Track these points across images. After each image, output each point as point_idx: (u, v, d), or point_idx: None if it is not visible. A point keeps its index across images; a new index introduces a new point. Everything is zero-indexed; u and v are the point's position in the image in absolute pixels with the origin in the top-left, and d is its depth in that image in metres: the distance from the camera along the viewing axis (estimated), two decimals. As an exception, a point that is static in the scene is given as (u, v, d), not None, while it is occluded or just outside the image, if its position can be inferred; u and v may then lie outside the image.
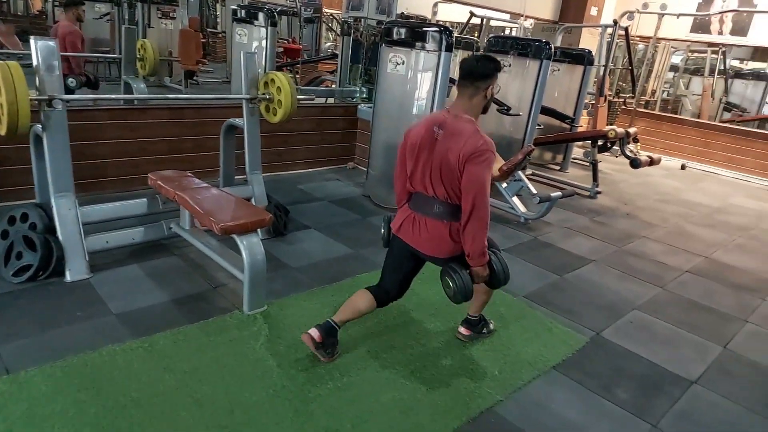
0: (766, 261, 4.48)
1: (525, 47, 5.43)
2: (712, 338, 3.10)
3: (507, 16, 8.99)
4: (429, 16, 8.31)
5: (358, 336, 2.70)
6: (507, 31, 10.19)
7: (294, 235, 3.89)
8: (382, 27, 4.60)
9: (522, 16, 7.59)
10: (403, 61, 4.32)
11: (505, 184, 4.87)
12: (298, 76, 7.51)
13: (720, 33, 8.29)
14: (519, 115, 5.47)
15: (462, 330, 2.80)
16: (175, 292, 2.94)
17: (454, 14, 11.08)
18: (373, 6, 5.56)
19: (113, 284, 2.94)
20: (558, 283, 3.62)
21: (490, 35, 6.42)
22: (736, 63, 12.22)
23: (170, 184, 3.16)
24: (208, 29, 10.60)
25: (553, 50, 5.29)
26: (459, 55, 7.87)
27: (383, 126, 4.68)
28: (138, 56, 5.24)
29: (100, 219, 3.21)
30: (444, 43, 4.12)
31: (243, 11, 6.10)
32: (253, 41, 6.12)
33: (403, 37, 4.31)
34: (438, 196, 2.28)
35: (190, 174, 3.42)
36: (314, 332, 2.44)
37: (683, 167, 8.12)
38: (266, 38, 5.92)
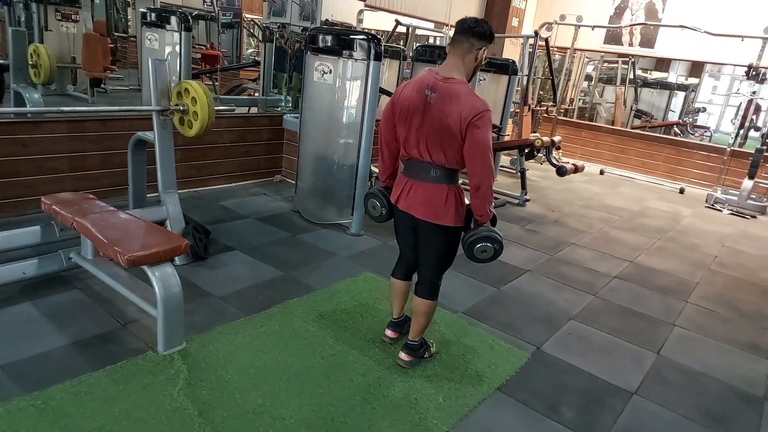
0: (683, 262, 4.70)
1: (453, 57, 5.40)
2: (645, 345, 3.14)
3: (432, 26, 9.05)
4: (354, 23, 8.21)
5: (295, 371, 2.46)
6: (431, 41, 10.28)
7: (216, 258, 3.57)
8: (307, 34, 4.38)
9: (447, 25, 7.64)
10: (330, 70, 4.13)
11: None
12: (217, 84, 7.10)
13: (630, 44, 8.81)
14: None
15: (402, 356, 2.61)
16: (77, 334, 2.56)
17: (379, 22, 11.05)
18: (296, 12, 5.32)
19: (-2, 329, 2.51)
20: (496, 297, 3.56)
21: (417, 44, 6.38)
22: (642, 73, 13.12)
23: (68, 208, 2.76)
24: (117, 33, 9.84)
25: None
26: (387, 64, 7.81)
27: (311, 136, 4.46)
28: (30, 63, 4.67)
29: (-19, 251, 2.75)
30: (372, 51, 3.97)
31: (153, 14, 5.64)
32: (165, 47, 5.67)
33: (329, 45, 4.12)
34: (434, 161, 2.26)
35: (92, 196, 3.03)
36: (390, 333, 2.77)
37: (602, 172, 8.51)
38: (180, 44, 5.51)
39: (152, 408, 2.12)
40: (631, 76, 11.13)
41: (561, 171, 5.42)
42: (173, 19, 5.54)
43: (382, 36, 10.45)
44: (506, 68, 6.73)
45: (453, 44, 2.25)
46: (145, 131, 3.45)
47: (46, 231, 2.94)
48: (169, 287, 2.41)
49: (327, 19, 6.55)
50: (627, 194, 7.27)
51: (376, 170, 5.36)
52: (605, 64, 11.68)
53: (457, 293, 3.48)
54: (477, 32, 2.19)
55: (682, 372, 2.92)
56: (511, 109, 7.21)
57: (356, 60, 4.02)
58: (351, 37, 4.04)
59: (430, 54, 5.57)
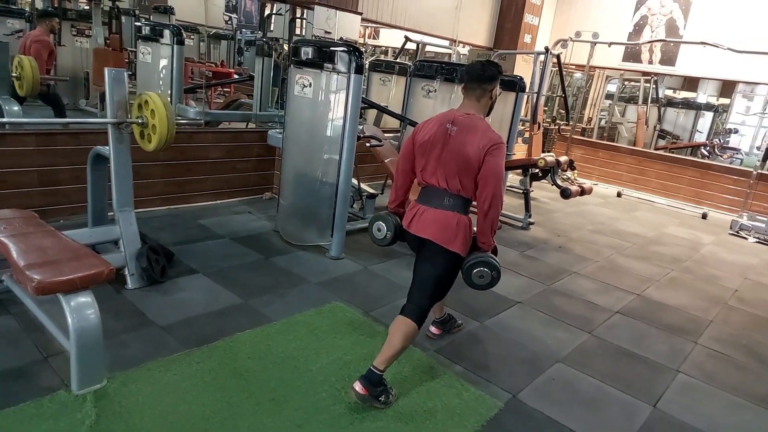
0: (697, 296, 4.24)
1: (451, 72, 5.13)
2: (641, 395, 2.73)
3: (445, 42, 8.81)
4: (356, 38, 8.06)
5: (220, 420, 2.16)
6: (445, 58, 10.04)
7: (175, 282, 3.32)
8: (290, 46, 4.17)
9: (455, 41, 7.38)
10: (311, 83, 3.89)
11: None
12: (214, 99, 6.98)
13: (650, 62, 8.38)
14: (444, 142, 5.14)
15: (357, 387, 2.30)
16: (-8, 366, 2.32)
17: (394, 39, 10.89)
18: (280, 26, 5.15)
19: None
20: (476, 333, 3.20)
21: (417, 59, 6.13)
22: (669, 92, 12.59)
23: (-2, 227, 2.56)
24: (130, 49, 9.92)
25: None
26: (394, 80, 7.59)
27: (292, 152, 4.22)
28: (14, 74, 4.60)
29: None
30: (353, 64, 3.72)
31: (147, 28, 5.56)
32: (160, 60, 5.57)
33: (310, 57, 3.89)
34: (450, 189, 2.41)
35: (33, 214, 2.83)
36: (434, 329, 2.94)
37: (619, 195, 8.04)
38: (172, 57, 5.39)
39: (45, 460, 1.85)
40: (654, 95, 10.64)
41: (565, 193, 5.04)
42: (166, 33, 5.44)
43: (394, 53, 10.29)
44: (513, 85, 6.38)
45: (467, 90, 2.45)
46: (104, 146, 3.26)
47: (-19, 250, 2.74)
48: (84, 319, 2.16)
49: (342, 38, 6.38)
50: (643, 219, 6.79)
51: (368, 189, 5.11)
52: (627, 83, 11.23)
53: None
54: (486, 78, 2.40)
55: (682, 431, 2.50)
56: (520, 127, 6.87)
57: (336, 73, 3.78)
58: (332, 49, 3.80)
59: (428, 69, 5.30)
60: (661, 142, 11.32)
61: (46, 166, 3.96)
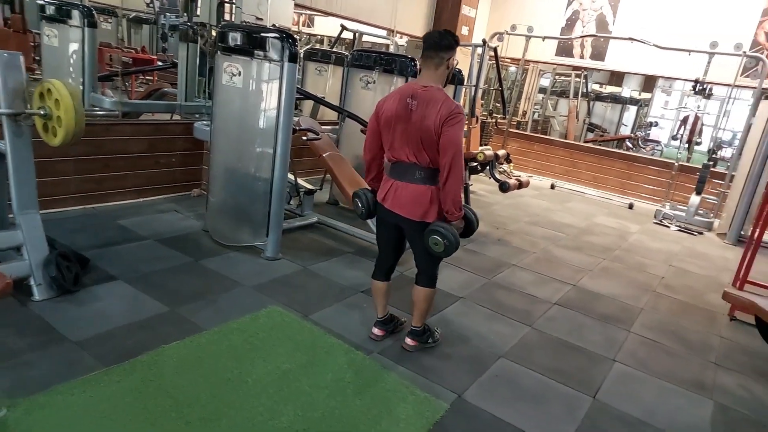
0: (628, 284, 4.40)
1: (390, 63, 5.01)
2: (581, 387, 2.76)
3: (382, 32, 8.67)
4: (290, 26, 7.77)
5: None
6: (383, 48, 9.91)
7: (90, 291, 3.01)
8: (217, 31, 3.89)
9: (393, 31, 7.27)
10: (240, 72, 3.65)
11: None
12: (136, 88, 6.50)
13: (581, 57, 8.66)
14: (384, 135, 5.03)
15: (408, 341, 2.84)
16: None
17: (330, 28, 10.60)
18: (207, 10, 4.82)
19: None
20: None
21: (354, 49, 5.97)
22: (596, 87, 13.16)
23: None
24: (35, 31, 9.07)
25: (418, 67, 4.91)
26: (331, 70, 7.37)
27: (222, 146, 3.95)
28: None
29: None
30: (287, 51, 3.51)
31: (52, 7, 5.03)
32: (69, 44, 5.07)
33: (239, 43, 3.63)
34: (420, 163, 2.48)
35: None
36: (377, 331, 2.91)
37: (552, 186, 8.29)
38: (83, 41, 4.92)
39: None
40: (584, 90, 11.07)
41: (504, 187, 5.08)
42: (75, 14, 4.95)
43: (330, 42, 10.03)
44: (452, 78, 6.38)
45: (425, 59, 2.47)
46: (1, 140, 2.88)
47: None
48: (-25, 341, 1.86)
49: (275, 24, 6.08)
50: (576, 210, 7.02)
51: (306, 185, 4.91)
52: (559, 77, 11.62)
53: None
54: (444, 45, 2.44)
55: (620, 420, 2.54)
56: (458, 120, 6.87)
57: (268, 61, 3.55)
58: (262, 35, 3.57)
59: (367, 59, 5.15)
60: (590, 135, 11.82)
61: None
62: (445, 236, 2.46)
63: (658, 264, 5.07)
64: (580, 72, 10.61)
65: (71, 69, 5.20)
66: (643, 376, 2.98)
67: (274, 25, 6.13)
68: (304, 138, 4.32)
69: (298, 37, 12.43)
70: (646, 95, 13.75)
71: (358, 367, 2.65)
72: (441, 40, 2.44)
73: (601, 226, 6.31)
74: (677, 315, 3.91)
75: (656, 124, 12.84)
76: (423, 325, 2.86)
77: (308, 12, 6.97)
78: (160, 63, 7.61)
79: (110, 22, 11.06)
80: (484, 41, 6.73)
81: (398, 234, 2.73)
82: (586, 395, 2.70)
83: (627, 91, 13.93)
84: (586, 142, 10.71)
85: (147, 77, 8.38)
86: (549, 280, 4.26)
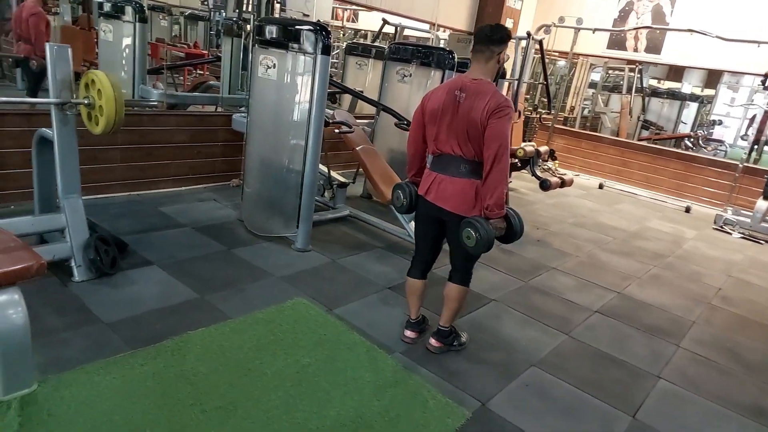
0: (679, 294, 4.12)
1: (427, 56, 4.90)
2: (619, 404, 2.58)
3: (425, 26, 8.53)
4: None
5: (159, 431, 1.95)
6: (425, 42, 9.77)
7: (126, 274, 3.09)
8: (254, 25, 3.90)
9: (434, 24, 7.12)
10: (275, 64, 3.64)
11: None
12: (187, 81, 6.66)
13: (635, 50, 8.21)
14: (422, 130, 4.92)
15: (432, 342, 2.77)
16: None
17: (374, 23, 10.54)
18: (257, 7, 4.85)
19: None
20: (448, 332, 3.02)
21: (391, 42, 5.88)
22: (653, 82, 12.49)
23: None
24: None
25: (456, 60, 4.78)
26: (371, 64, 7.31)
27: (257, 137, 3.97)
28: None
29: None
30: (320, 44, 3.47)
31: (108, 5, 5.22)
32: (122, 38, 5.24)
33: (274, 36, 3.63)
34: (465, 155, 2.45)
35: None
36: (410, 334, 2.82)
37: (601, 186, 7.93)
38: (134, 35, 5.07)
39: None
40: (639, 85, 10.52)
41: (544, 185, 4.88)
42: (128, 10, 5.11)
43: (372, 36, 9.97)
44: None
45: (475, 53, 2.45)
46: (48, 128, 2.98)
47: None
48: (8, 318, 1.93)
49: (319, 20, 6.09)
50: (626, 212, 6.67)
51: (340, 178, 4.88)
52: (611, 71, 11.10)
53: (398, 326, 2.95)
54: (495, 40, 2.41)
55: (660, 441, 2.36)
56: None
57: (302, 53, 3.53)
58: (297, 27, 3.55)
59: (404, 52, 5.06)
60: (645, 133, 11.23)
61: (-3, 148, 3.67)
62: (477, 230, 2.37)
63: (715, 274, 4.73)
64: (634, 66, 10.08)
65: (123, 62, 5.39)
66: (691, 396, 2.76)
67: (318, 21, 6.13)
68: (337, 131, 4.29)
69: (342, 32, 12.54)
70: (709, 92, 12.94)
71: (380, 366, 2.58)
72: (492, 33, 2.42)
73: (652, 230, 5.97)
74: (734, 331, 3.62)
75: (720, 123, 12.04)
76: (450, 326, 2.78)
77: (350, 7, 6.91)
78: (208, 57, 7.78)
79: (166, 20, 11.48)
80: (528, 33, 6.50)
81: (438, 229, 2.68)
82: (625, 414, 2.52)
83: (688, 87, 13.15)
84: (640, 140, 10.18)
85: (198, 71, 8.61)
86: (591, 285, 4.05)
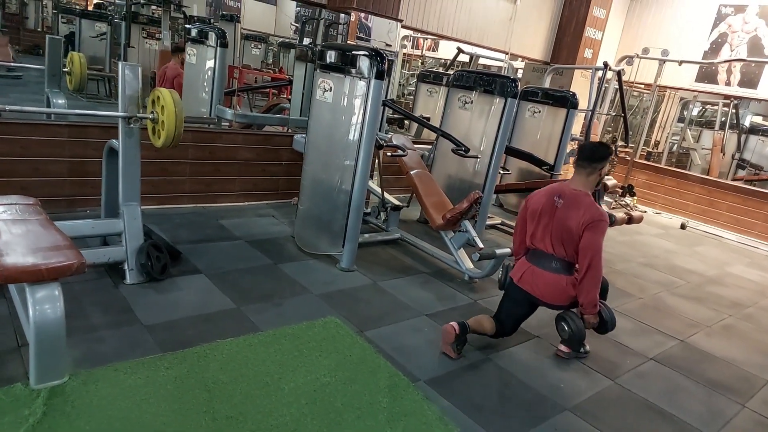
0: (755, 349, 3.68)
1: (490, 83, 4.85)
2: (660, 462, 2.33)
3: (500, 55, 8.48)
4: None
5: None
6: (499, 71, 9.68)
7: (174, 281, 3.26)
8: (317, 50, 4.07)
9: (507, 53, 7.05)
10: (331, 88, 3.77)
11: (451, 234, 4.21)
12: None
13: (728, 83, 7.62)
14: (477, 157, 4.85)
15: (563, 348, 3.08)
16: (-33, 351, 2.32)
17: (453, 52, 10.64)
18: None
19: None
20: (479, 365, 2.89)
21: (455, 70, 5.88)
22: (758, 119, 11.47)
23: (-7, 211, 2.58)
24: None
25: (518, 88, 4.68)
26: (441, 92, 7.35)
27: (313, 158, 4.10)
28: (65, 70, 4.83)
29: None
30: (374, 69, 3.55)
31: (194, 30, 5.69)
32: (206, 61, 5.68)
33: (333, 61, 3.77)
34: (556, 254, 2.78)
35: (34, 201, 2.84)
36: (455, 325, 2.85)
37: (683, 226, 7.33)
38: (215, 59, 5.47)
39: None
40: (734, 120, 9.71)
41: (609, 220, 4.57)
42: (211, 35, 5.54)
43: (449, 65, 10.04)
44: (565, 101, 6.02)
45: (578, 167, 2.78)
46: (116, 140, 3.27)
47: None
48: (46, 312, 2.10)
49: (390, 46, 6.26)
50: (707, 255, 6.11)
51: (394, 201, 4.89)
52: (704, 106, 10.35)
53: (427, 355, 2.87)
54: (597, 158, 2.73)
55: None
56: (571, 147, 6.41)
57: (356, 77, 3.63)
58: (354, 53, 3.65)
59: (467, 80, 5.05)
60: (741, 173, 10.29)
61: (77, 156, 4.07)
62: (569, 325, 2.85)
63: (803, 330, 4.18)
64: (728, 101, 9.34)
65: (204, 84, 5.83)
66: (750, 463, 2.43)
67: (387, 45, 6.30)
68: (390, 154, 4.32)
69: (421, 61, 12.77)
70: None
71: (400, 393, 2.51)
72: (594, 153, 2.72)
73: (735, 276, 5.41)
74: (815, 395, 3.16)
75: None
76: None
77: (420, 35, 7.04)
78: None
79: (259, 48, 12.34)
80: (605, 64, 6.24)
81: (527, 311, 2.98)
82: (665, 472, 2.27)
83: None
84: (734, 179, 9.34)
85: (282, 94, 9.13)
86: (651, 331, 3.72)
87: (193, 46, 5.78)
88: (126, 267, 3.14)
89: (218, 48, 5.51)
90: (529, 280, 2.85)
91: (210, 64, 5.68)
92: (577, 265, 2.80)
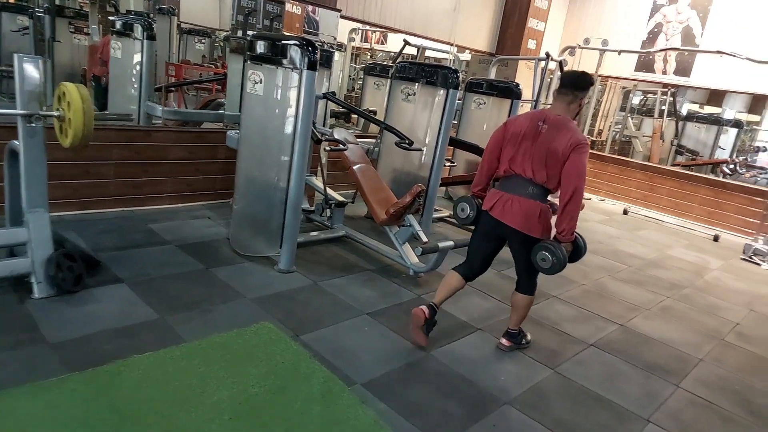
0: (690, 329, 3.76)
1: (432, 75, 4.76)
2: (598, 452, 2.30)
3: (447, 48, 8.45)
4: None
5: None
6: (445, 63, 9.66)
7: (90, 292, 3.01)
8: (247, 40, 3.87)
9: (451, 44, 7.00)
10: (261, 80, 3.58)
11: (395, 230, 4.11)
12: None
13: (664, 72, 7.86)
14: (421, 150, 4.77)
15: (504, 341, 3.04)
16: None
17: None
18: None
19: None
20: (421, 363, 2.80)
21: (398, 61, 5.78)
22: (694, 107, 11.94)
23: None
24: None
25: (459, 79, 4.62)
26: (388, 84, 7.23)
27: (246, 154, 3.89)
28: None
29: None
30: (306, 59, 3.39)
31: (119, 22, 5.34)
32: (132, 55, 5.34)
33: (263, 52, 3.58)
34: (536, 179, 2.67)
35: None
36: (425, 308, 2.85)
37: (625, 212, 7.52)
38: (142, 52, 5.15)
39: None
40: (672, 108, 10.06)
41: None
42: (137, 27, 5.21)
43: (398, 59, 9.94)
44: (509, 92, 6.02)
45: (560, 94, 2.72)
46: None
47: None
48: None
49: (334, 38, 6.07)
50: (648, 239, 6.27)
51: (338, 197, 4.75)
52: (646, 94, 10.68)
53: (368, 356, 2.75)
54: (580, 86, 2.69)
55: (641, 502, 2.06)
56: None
57: (288, 68, 3.46)
58: (283, 43, 3.48)
59: (409, 71, 4.95)
60: (679, 158, 10.70)
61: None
62: (554, 254, 2.61)
63: (735, 308, 4.32)
64: (666, 89, 9.66)
65: (133, 79, 5.49)
66: (685, 445, 2.44)
67: (334, 38, 6.13)
68: (328, 148, 4.17)
69: (370, 54, 12.62)
70: (753, 117, 12.26)
71: (334, 398, 2.38)
72: (577, 81, 2.69)
73: (674, 258, 5.56)
74: (746, 371, 3.24)
75: (765, 149, 11.37)
76: (518, 328, 3.05)
77: (368, 28, 6.91)
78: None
79: (203, 42, 11.85)
80: (547, 54, 6.29)
81: (495, 246, 2.90)
82: (603, 462, 2.24)
83: (730, 112, 12.51)
84: (674, 165, 9.69)
85: (216, 88, 8.79)
86: (592, 317, 3.74)
87: (118, 40, 5.42)
88: (33, 280, 2.86)
89: (145, 41, 5.19)
90: (501, 209, 2.74)
91: (137, 58, 5.34)
92: (553, 195, 2.73)
